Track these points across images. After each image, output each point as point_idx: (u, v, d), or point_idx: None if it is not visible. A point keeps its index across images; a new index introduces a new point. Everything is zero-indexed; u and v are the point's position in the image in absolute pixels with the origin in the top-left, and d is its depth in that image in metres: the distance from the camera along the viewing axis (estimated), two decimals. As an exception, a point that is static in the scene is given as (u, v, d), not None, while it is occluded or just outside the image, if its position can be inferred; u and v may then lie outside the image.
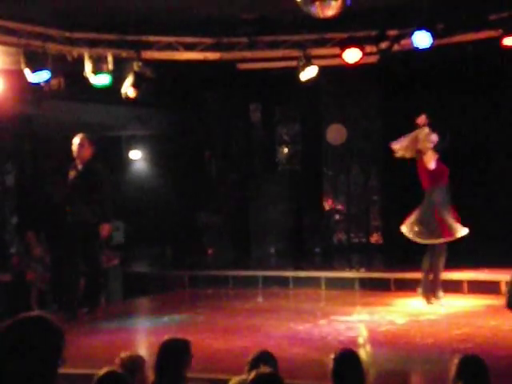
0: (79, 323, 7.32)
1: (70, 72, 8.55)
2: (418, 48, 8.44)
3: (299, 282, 9.48)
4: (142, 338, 6.70)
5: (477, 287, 8.23)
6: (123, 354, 3.47)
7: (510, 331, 6.17)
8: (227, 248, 11.94)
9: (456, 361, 3.31)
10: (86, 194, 7.66)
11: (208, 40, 9.12)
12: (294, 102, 13.21)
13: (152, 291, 9.62)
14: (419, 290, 7.66)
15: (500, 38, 8.22)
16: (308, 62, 9.17)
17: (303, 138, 13.33)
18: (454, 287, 8.28)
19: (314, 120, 12.91)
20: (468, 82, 10.60)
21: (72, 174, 7.77)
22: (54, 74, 8.14)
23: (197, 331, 6.29)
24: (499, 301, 7.69)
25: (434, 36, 8.31)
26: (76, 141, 7.85)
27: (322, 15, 6.29)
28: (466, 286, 8.31)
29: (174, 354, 3.59)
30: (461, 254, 9.95)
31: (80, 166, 7.79)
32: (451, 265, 9.11)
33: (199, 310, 8.14)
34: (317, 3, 6.16)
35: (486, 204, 10.71)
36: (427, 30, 8.28)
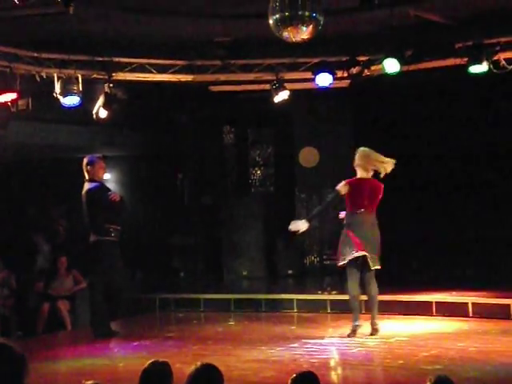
0: (43, 349, 7.20)
1: (39, 92, 8.51)
2: (387, 73, 8.60)
3: (271, 304, 9.47)
4: (110, 363, 6.60)
5: (445, 309, 8.30)
6: (87, 382, 3.40)
7: (478, 353, 6.22)
8: (199, 271, 11.89)
9: (429, 382, 3.33)
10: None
11: (181, 62, 9.17)
12: (266, 125, 13.30)
13: (122, 314, 9.51)
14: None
15: (466, 66, 8.40)
16: (281, 85, 9.28)
17: (276, 161, 13.40)
18: (422, 309, 8.35)
19: (287, 142, 12.99)
20: (437, 106, 10.79)
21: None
22: (22, 95, 8.08)
23: (167, 356, 6.22)
24: (467, 322, 7.83)
25: (403, 62, 8.47)
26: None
27: (294, 40, 6.36)
28: (434, 307, 8.37)
29: (157, 377, 3.57)
30: (430, 276, 10.10)
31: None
32: (420, 286, 9.22)
33: (170, 333, 8.07)
34: (289, 28, 6.23)
35: (454, 229, 10.85)
36: (396, 57, 8.44)
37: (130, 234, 11.99)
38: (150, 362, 3.65)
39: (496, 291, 8.52)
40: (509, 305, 7.89)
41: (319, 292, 9.81)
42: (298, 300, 9.33)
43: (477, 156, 10.98)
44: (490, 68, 8.34)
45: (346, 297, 9.00)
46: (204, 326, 8.75)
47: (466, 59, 8.41)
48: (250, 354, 6.52)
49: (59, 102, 8.55)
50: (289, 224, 7.33)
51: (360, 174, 7.20)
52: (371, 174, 7.19)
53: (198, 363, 3.55)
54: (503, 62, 8.36)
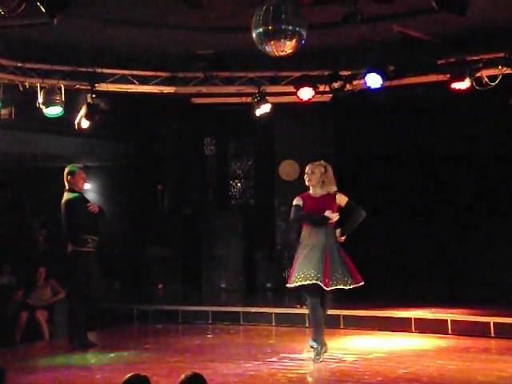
0: (21, 360, 7.11)
1: (22, 102, 8.47)
2: (369, 88, 8.64)
3: (250, 317, 9.43)
4: (87, 374, 6.53)
5: (424, 326, 8.29)
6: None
7: (457, 370, 6.22)
8: (177, 282, 11.83)
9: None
10: None
11: (163, 74, 9.17)
12: (247, 137, 13.32)
13: (100, 326, 9.43)
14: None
15: (448, 82, 8.48)
16: (262, 98, 9.30)
17: (256, 173, 13.40)
18: (401, 325, 8.34)
19: (267, 155, 13.01)
20: (419, 121, 10.87)
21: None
22: (5, 104, 8.04)
23: (144, 368, 6.17)
24: (446, 340, 7.81)
25: (385, 77, 8.53)
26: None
27: (276, 54, 6.38)
28: (413, 324, 8.37)
29: None
30: (408, 293, 10.11)
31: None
32: (399, 303, 9.23)
33: (147, 345, 8.00)
34: (272, 42, 6.25)
35: (432, 245, 10.92)
36: (378, 72, 8.50)
37: (108, 244, 11.95)
38: (130, 375, 3.63)
39: (475, 309, 8.49)
40: (488, 322, 7.87)
41: (298, 306, 9.79)
42: (276, 314, 9.30)
43: (456, 171, 11.08)
44: (472, 85, 8.40)
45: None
46: (182, 339, 8.69)
47: (448, 75, 8.48)
48: (228, 368, 6.48)
49: (42, 111, 8.52)
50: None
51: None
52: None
53: (188, 373, 3.57)
54: (486, 79, 8.44)
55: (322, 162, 6.81)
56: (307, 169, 6.80)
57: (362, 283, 6.53)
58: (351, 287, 6.52)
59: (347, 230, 6.68)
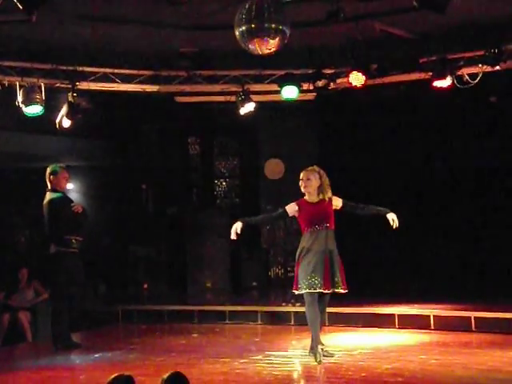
0: (4, 361, 7.06)
1: (1, 101, 8.39)
2: (353, 86, 8.68)
3: (236, 316, 9.43)
4: (71, 375, 6.49)
5: (408, 321, 8.36)
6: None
7: (439, 365, 6.28)
8: (163, 282, 11.80)
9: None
10: None
11: (146, 72, 9.13)
12: (232, 136, 13.31)
13: (84, 326, 9.39)
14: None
15: (431, 80, 8.53)
16: (246, 97, 9.29)
17: (241, 172, 13.40)
18: (385, 321, 8.39)
19: (252, 154, 13.01)
20: (402, 119, 10.92)
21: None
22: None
23: (129, 368, 6.15)
24: (429, 335, 7.89)
25: (368, 76, 8.56)
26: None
27: (260, 52, 6.38)
28: (397, 319, 8.44)
29: None
30: (392, 289, 10.17)
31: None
32: (383, 299, 9.28)
33: (132, 345, 7.97)
34: (255, 40, 6.25)
35: (417, 240, 10.96)
36: (361, 70, 8.53)
37: (93, 244, 11.91)
38: (114, 375, 3.63)
39: (457, 304, 8.61)
40: (470, 317, 8.01)
41: (283, 304, 9.81)
42: (261, 312, 9.31)
43: (439, 169, 11.14)
44: (454, 83, 8.47)
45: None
46: (167, 338, 8.66)
47: (430, 74, 8.54)
48: (214, 367, 6.48)
49: (22, 110, 8.43)
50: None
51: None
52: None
53: (168, 373, 3.56)
54: (467, 77, 8.51)
55: (316, 167, 6.83)
56: (302, 175, 6.76)
57: (346, 291, 6.61)
58: (344, 292, 6.61)
59: (386, 210, 6.70)
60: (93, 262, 11.62)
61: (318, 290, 6.49)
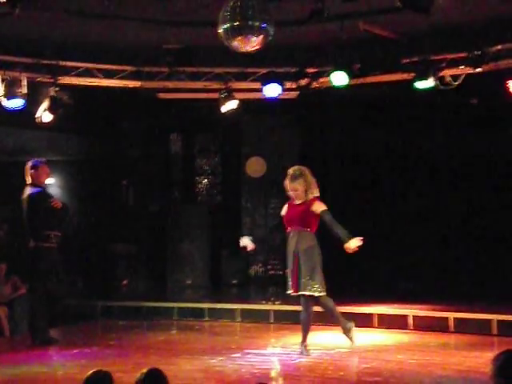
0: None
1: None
2: (335, 85, 8.70)
3: (215, 313, 9.43)
4: (48, 370, 6.45)
5: (386, 321, 8.41)
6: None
7: (416, 365, 6.34)
8: (142, 279, 11.75)
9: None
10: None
11: (128, 68, 9.09)
12: (214, 133, 13.28)
13: (63, 322, 9.32)
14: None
15: (413, 81, 8.57)
16: (229, 94, 9.28)
17: (223, 170, 13.38)
18: (364, 321, 8.42)
19: (234, 152, 12.99)
20: (384, 118, 10.96)
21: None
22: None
23: (107, 364, 6.12)
24: (407, 335, 7.95)
25: (351, 75, 8.58)
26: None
27: (243, 50, 6.37)
28: (375, 319, 8.48)
29: None
30: (371, 289, 10.22)
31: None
32: (362, 298, 9.32)
33: (111, 342, 7.94)
34: (239, 38, 6.23)
35: (397, 241, 11.00)
36: (344, 70, 8.55)
37: (72, 240, 11.82)
38: (92, 371, 3.61)
39: (435, 304, 8.67)
40: (447, 318, 8.08)
41: (263, 302, 9.83)
42: (241, 310, 9.32)
43: (419, 169, 11.19)
44: (436, 84, 8.51)
45: (289, 307, 9.08)
46: (146, 335, 8.65)
47: (412, 74, 8.58)
48: (192, 364, 6.48)
49: (2, 104, 8.35)
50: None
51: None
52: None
53: (145, 369, 3.55)
54: (449, 79, 8.57)
55: (298, 169, 6.84)
56: (289, 187, 6.78)
57: (319, 295, 6.75)
58: (320, 295, 6.69)
59: (344, 238, 6.63)
60: (72, 257, 11.56)
61: (288, 292, 6.78)
